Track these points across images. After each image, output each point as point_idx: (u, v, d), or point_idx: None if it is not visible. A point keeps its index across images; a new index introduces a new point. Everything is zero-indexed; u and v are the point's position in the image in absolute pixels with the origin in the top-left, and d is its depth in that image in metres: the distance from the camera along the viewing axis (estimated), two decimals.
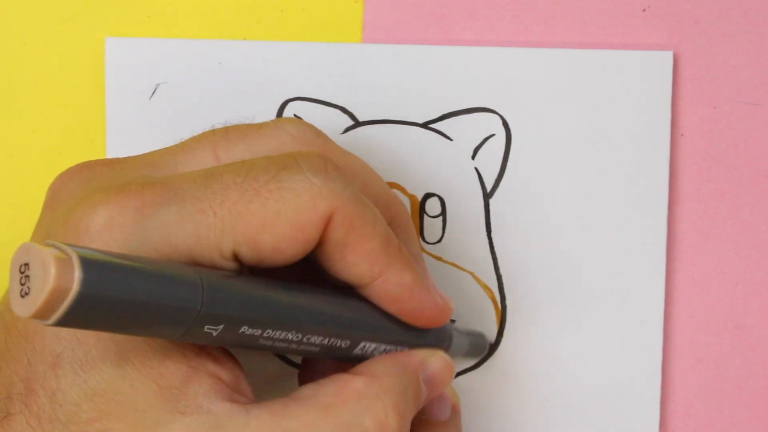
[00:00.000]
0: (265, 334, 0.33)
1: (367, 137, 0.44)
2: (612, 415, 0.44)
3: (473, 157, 0.44)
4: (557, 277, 0.44)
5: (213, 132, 0.36)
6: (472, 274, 0.44)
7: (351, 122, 0.44)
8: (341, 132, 0.44)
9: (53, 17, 0.44)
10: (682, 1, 0.44)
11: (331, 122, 0.43)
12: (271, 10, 0.44)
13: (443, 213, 0.44)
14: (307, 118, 0.43)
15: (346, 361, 0.37)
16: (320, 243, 0.34)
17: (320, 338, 0.35)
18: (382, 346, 0.37)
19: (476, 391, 0.45)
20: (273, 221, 0.33)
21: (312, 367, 0.40)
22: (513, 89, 0.44)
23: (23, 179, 0.44)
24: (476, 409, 0.45)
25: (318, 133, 0.37)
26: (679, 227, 0.45)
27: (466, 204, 0.44)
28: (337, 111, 0.43)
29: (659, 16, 0.44)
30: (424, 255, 0.44)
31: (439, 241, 0.44)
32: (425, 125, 0.44)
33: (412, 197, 0.44)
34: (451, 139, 0.44)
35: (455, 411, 0.44)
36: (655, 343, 0.44)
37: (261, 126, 0.36)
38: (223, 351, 0.35)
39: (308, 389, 0.34)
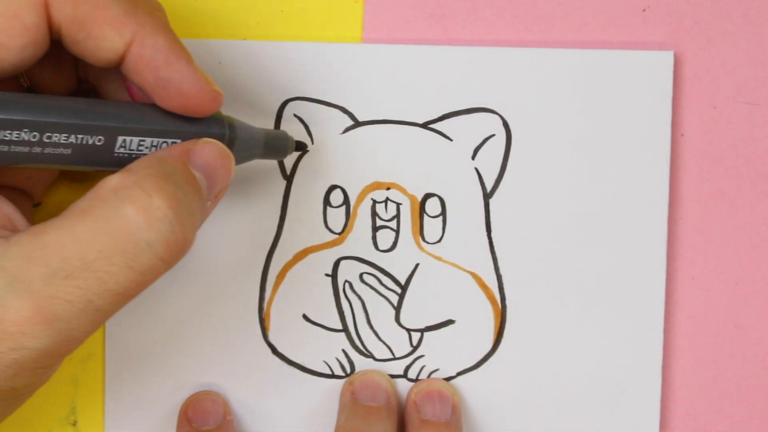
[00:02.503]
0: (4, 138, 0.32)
1: (367, 137, 0.44)
2: (612, 415, 0.44)
3: (473, 157, 0.44)
4: (557, 277, 0.44)
5: None
6: (472, 274, 0.44)
7: (351, 122, 0.44)
8: (341, 132, 0.44)
9: None
10: (682, 1, 0.44)
11: (331, 122, 0.43)
12: (271, 10, 0.44)
13: (443, 213, 0.44)
14: (306, 118, 0.43)
15: (118, 168, 0.35)
16: (61, 29, 0.33)
17: (64, 136, 0.33)
18: (147, 141, 0.35)
19: (476, 391, 0.45)
20: None
21: None
22: (513, 89, 0.44)
23: None
24: (476, 409, 0.45)
25: None
26: (679, 227, 0.45)
27: (466, 204, 0.44)
28: (337, 111, 0.43)
29: (659, 16, 0.44)
30: (424, 255, 0.44)
31: (439, 241, 0.44)
32: (425, 125, 0.44)
33: (412, 197, 0.44)
34: (451, 139, 0.44)
35: (455, 411, 0.44)
36: (655, 343, 0.44)
37: None
38: None
39: (70, 206, 0.33)
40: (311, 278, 0.44)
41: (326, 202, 0.44)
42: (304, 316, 0.44)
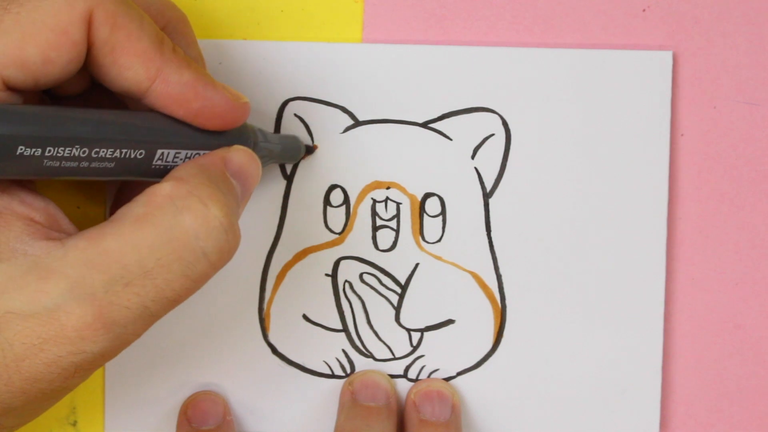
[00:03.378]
0: (47, 154, 0.33)
1: (367, 137, 0.44)
2: (612, 415, 0.44)
3: (473, 157, 0.44)
4: (557, 277, 0.44)
5: None
6: (472, 273, 0.44)
7: (351, 122, 0.44)
8: (341, 132, 0.44)
9: None
10: (682, 1, 0.44)
11: (331, 122, 0.43)
12: (271, 10, 0.44)
13: (443, 213, 0.44)
14: (307, 118, 0.43)
15: (154, 178, 0.36)
16: (91, 49, 0.34)
17: (110, 151, 0.34)
18: (183, 153, 0.36)
19: (476, 391, 0.45)
20: (32, 31, 0.33)
21: (128, 197, 0.38)
22: (513, 89, 0.44)
23: None
24: (476, 409, 0.45)
25: None
26: (679, 227, 0.45)
27: (466, 204, 0.44)
28: (337, 111, 0.43)
29: (659, 16, 0.44)
30: (424, 254, 0.44)
31: (439, 241, 0.44)
32: (425, 125, 0.44)
33: (412, 197, 0.44)
34: (451, 139, 0.44)
35: (455, 411, 0.44)
36: (655, 343, 0.44)
37: None
38: (30, 192, 0.35)
39: (121, 210, 0.34)
40: (311, 278, 0.44)
41: (326, 201, 0.44)
42: (304, 316, 0.44)
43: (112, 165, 0.35)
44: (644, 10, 0.44)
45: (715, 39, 0.44)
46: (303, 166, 0.43)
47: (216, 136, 0.37)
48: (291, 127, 0.43)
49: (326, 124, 0.43)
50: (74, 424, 0.44)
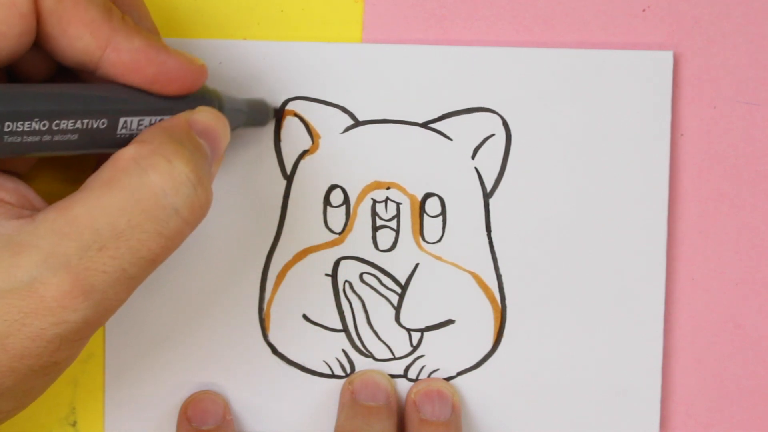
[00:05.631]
0: (6, 129, 0.33)
1: (367, 137, 0.44)
2: (612, 415, 0.44)
3: (473, 157, 0.44)
4: (557, 277, 0.44)
5: None
6: (472, 274, 0.44)
7: (351, 122, 0.44)
8: (341, 132, 0.44)
9: None
10: (682, 1, 0.44)
11: (331, 122, 0.43)
12: (271, 10, 0.44)
13: (443, 213, 0.44)
14: (307, 118, 0.43)
15: (117, 149, 0.36)
16: (40, 21, 0.34)
17: (71, 122, 0.34)
18: (147, 119, 0.36)
19: (476, 391, 0.45)
20: None
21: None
22: (513, 89, 0.44)
23: None
24: (476, 409, 0.45)
25: None
26: (679, 227, 0.45)
27: (466, 204, 0.44)
28: (337, 111, 0.43)
29: (659, 16, 0.44)
30: (424, 255, 0.44)
31: (439, 241, 0.44)
32: (425, 125, 0.44)
33: (412, 197, 0.44)
34: (451, 139, 0.44)
35: (455, 411, 0.44)
36: (655, 343, 0.44)
37: None
38: (1, 174, 0.35)
39: (89, 179, 0.34)
40: (311, 278, 0.44)
41: (326, 201, 0.44)
42: (304, 316, 0.44)
43: (76, 137, 0.35)
44: (644, 10, 0.44)
45: (715, 39, 0.44)
46: (303, 166, 0.43)
47: (178, 102, 0.37)
48: (291, 126, 0.43)
49: (326, 124, 0.43)
50: (74, 424, 0.44)
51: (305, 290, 0.44)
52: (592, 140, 0.44)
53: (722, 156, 0.44)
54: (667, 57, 0.44)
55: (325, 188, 0.44)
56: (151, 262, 0.34)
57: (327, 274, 0.44)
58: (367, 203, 0.44)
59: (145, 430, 0.44)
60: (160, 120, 0.37)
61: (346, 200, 0.44)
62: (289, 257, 0.44)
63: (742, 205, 0.45)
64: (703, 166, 0.44)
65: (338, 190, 0.44)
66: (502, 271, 0.44)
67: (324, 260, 0.44)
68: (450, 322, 0.44)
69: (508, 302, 0.44)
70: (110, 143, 0.36)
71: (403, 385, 0.45)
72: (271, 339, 0.44)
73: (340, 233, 0.44)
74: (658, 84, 0.44)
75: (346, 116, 0.43)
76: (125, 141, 0.36)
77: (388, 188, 0.44)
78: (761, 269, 0.45)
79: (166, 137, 0.35)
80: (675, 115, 0.44)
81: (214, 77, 0.43)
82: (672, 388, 0.45)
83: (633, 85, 0.43)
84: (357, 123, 0.44)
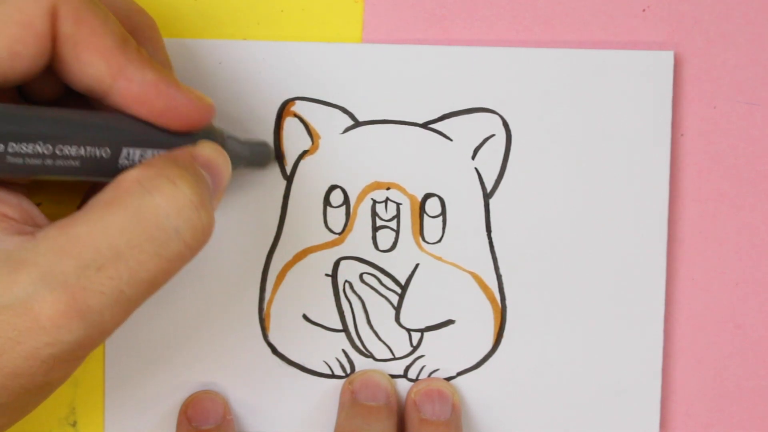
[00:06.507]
0: (9, 150, 0.33)
1: (367, 137, 0.44)
2: (612, 415, 0.44)
3: (473, 157, 0.44)
4: (557, 278, 0.44)
5: None
6: (472, 274, 0.44)
7: (351, 122, 0.44)
8: (341, 132, 0.44)
9: None
10: (682, 1, 0.44)
11: (331, 122, 0.43)
12: (271, 10, 0.44)
13: (443, 213, 0.44)
14: (307, 118, 0.43)
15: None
16: (56, 44, 0.34)
17: (74, 148, 0.34)
18: (149, 152, 0.36)
19: (476, 391, 0.45)
20: None
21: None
22: (513, 89, 0.44)
23: None
24: (476, 409, 0.45)
25: None
26: (679, 227, 0.45)
27: (466, 204, 0.44)
28: (337, 111, 0.43)
29: (659, 16, 0.44)
30: (424, 255, 0.44)
31: (439, 241, 0.44)
32: (425, 125, 0.44)
33: (412, 197, 0.44)
34: (451, 139, 0.44)
35: (455, 411, 0.44)
36: (655, 343, 0.44)
37: None
38: (2, 189, 0.35)
39: (91, 199, 0.34)
40: (311, 278, 0.44)
41: (326, 202, 0.44)
42: (304, 316, 0.44)
43: (77, 163, 0.35)
44: (644, 10, 0.44)
45: (715, 39, 0.44)
46: (303, 166, 0.43)
47: (183, 137, 0.37)
48: (291, 127, 0.43)
49: (326, 125, 0.43)
50: (74, 424, 0.44)
51: (305, 290, 0.44)
52: (592, 140, 0.44)
53: (722, 156, 0.44)
54: (668, 57, 0.44)
55: (325, 188, 0.44)
56: (150, 284, 0.34)
57: (327, 274, 0.44)
58: (367, 203, 0.44)
59: (145, 430, 0.44)
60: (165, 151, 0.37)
61: (346, 200, 0.44)
62: (289, 257, 0.44)
63: (742, 205, 0.45)
64: (703, 166, 0.44)
65: (338, 190, 0.44)
66: (502, 271, 0.44)
67: (324, 260, 0.44)
68: (450, 322, 0.44)
69: (508, 302, 0.44)
70: (111, 173, 0.36)
71: (403, 385, 0.45)
72: (271, 339, 0.44)
73: (340, 233, 0.44)
74: (658, 84, 0.44)
75: (346, 116, 0.43)
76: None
77: (388, 188, 0.44)
78: (761, 269, 0.45)
79: (171, 162, 0.35)
80: (675, 115, 0.44)
81: (214, 77, 0.43)
82: (672, 388, 0.45)
83: (633, 85, 0.43)
84: (357, 123, 0.44)
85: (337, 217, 0.44)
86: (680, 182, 0.44)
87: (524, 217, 0.44)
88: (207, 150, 0.37)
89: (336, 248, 0.44)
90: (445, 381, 0.44)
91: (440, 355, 0.44)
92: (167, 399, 0.44)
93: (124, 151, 0.36)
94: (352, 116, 0.43)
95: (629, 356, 0.44)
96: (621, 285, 0.44)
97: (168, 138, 0.37)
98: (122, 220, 0.33)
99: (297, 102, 0.43)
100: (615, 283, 0.44)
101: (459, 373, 0.45)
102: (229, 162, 0.38)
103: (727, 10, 0.44)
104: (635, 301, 0.44)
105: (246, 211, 0.44)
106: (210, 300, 0.44)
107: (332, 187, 0.44)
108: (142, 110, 0.36)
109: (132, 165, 0.36)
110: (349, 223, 0.44)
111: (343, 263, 0.44)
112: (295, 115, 0.43)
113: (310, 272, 0.44)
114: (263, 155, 0.43)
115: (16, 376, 0.33)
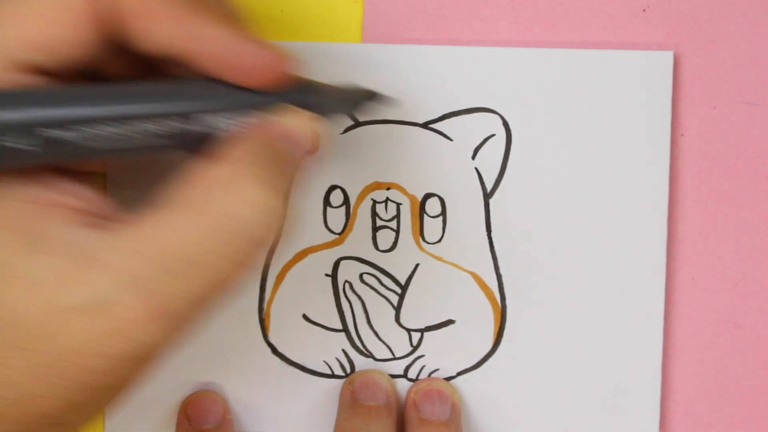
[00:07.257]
0: (82, 134, 0.32)
1: (367, 137, 0.44)
2: (612, 414, 0.44)
3: (473, 157, 0.44)
4: (557, 277, 0.44)
5: None
6: (472, 274, 0.44)
7: (351, 122, 0.44)
8: (341, 132, 0.44)
9: None
10: (682, 1, 0.44)
11: (331, 122, 0.43)
12: (271, 10, 0.43)
13: (443, 213, 0.44)
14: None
15: (200, 146, 0.35)
16: (118, 19, 0.33)
17: (150, 123, 0.34)
18: (230, 115, 0.35)
19: (476, 391, 0.45)
20: (51, 12, 0.32)
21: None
22: (513, 89, 0.44)
23: None
24: (476, 409, 0.45)
25: None
26: (679, 227, 0.45)
27: (466, 204, 0.44)
28: None
29: (659, 16, 0.44)
30: (424, 255, 0.44)
31: (439, 241, 0.44)
32: (425, 125, 0.44)
33: (412, 197, 0.44)
34: (451, 139, 0.44)
35: (455, 411, 0.44)
36: (655, 343, 0.44)
37: None
38: (70, 179, 0.34)
39: (167, 194, 0.33)
40: (311, 278, 0.44)
41: (326, 202, 0.44)
42: (304, 316, 0.44)
43: (154, 138, 0.34)
44: (644, 10, 0.44)
45: (715, 39, 0.44)
46: (303, 166, 0.43)
47: (267, 96, 0.36)
48: None
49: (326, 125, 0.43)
50: None
51: (305, 290, 0.44)
52: (592, 140, 0.44)
53: (722, 156, 0.44)
54: (668, 57, 0.44)
55: (325, 188, 0.44)
56: (227, 288, 0.33)
57: (327, 274, 0.44)
58: (367, 203, 0.44)
59: (145, 430, 0.44)
60: (244, 114, 0.35)
61: (346, 201, 0.44)
62: (289, 257, 0.44)
63: (742, 205, 0.45)
64: (703, 166, 0.44)
65: (338, 190, 0.44)
66: (502, 271, 0.44)
67: (324, 260, 0.44)
68: (450, 322, 0.44)
69: (508, 302, 0.44)
70: (193, 141, 0.35)
71: (403, 385, 0.45)
72: (271, 339, 0.44)
73: (340, 233, 0.44)
74: (658, 84, 0.43)
75: (345, 116, 0.43)
76: (204, 138, 0.35)
77: (388, 188, 0.44)
78: (761, 269, 0.45)
79: (252, 156, 0.34)
80: (675, 115, 0.44)
81: None
82: (672, 388, 0.45)
83: (633, 85, 0.43)
84: (357, 123, 0.44)
85: (337, 217, 0.44)
86: (680, 182, 0.44)
87: (524, 217, 0.44)
88: (289, 121, 0.36)
89: (336, 248, 0.44)
90: (444, 381, 0.44)
91: (440, 355, 0.44)
92: (167, 399, 0.44)
93: (205, 117, 0.35)
94: (352, 116, 0.43)
95: (629, 356, 0.44)
96: (621, 285, 0.44)
97: (247, 97, 0.35)
98: (203, 227, 0.32)
99: None
100: (615, 283, 0.44)
101: (459, 373, 0.45)
102: (314, 125, 0.36)
103: (727, 10, 0.44)
104: (635, 301, 0.44)
105: None
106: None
107: (332, 187, 0.44)
108: (218, 69, 0.34)
109: (213, 132, 0.35)
110: (349, 223, 0.44)
111: (343, 263, 0.44)
112: None
113: (310, 272, 0.44)
114: (354, 102, 0.40)
115: (94, 374, 0.32)
